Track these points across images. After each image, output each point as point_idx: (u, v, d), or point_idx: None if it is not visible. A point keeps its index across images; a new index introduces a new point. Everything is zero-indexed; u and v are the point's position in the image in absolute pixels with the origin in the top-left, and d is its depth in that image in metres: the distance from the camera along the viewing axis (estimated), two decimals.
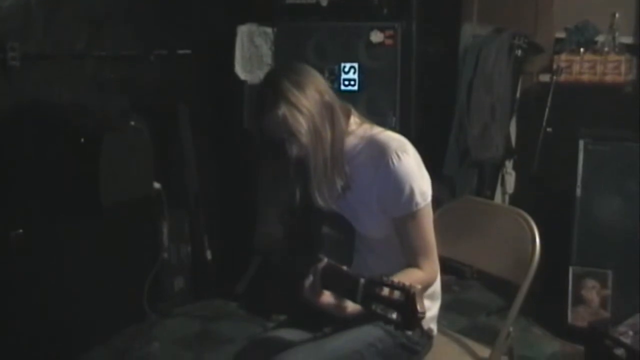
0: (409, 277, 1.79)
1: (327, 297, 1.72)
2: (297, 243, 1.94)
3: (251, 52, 3.53)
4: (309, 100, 1.80)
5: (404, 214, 1.83)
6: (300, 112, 1.78)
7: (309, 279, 1.69)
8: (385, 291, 1.49)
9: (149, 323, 3.52)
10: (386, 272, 1.69)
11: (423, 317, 1.44)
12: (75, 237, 3.11)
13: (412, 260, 1.86)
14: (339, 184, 1.86)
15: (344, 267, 1.67)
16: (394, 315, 1.46)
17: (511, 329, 2.08)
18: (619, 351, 2.68)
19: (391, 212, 1.85)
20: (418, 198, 1.82)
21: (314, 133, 1.80)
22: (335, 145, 1.84)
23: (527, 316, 3.52)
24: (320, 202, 1.85)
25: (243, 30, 3.54)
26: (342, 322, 1.92)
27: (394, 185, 1.81)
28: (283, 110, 1.77)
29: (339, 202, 1.90)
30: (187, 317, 3.68)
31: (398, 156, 1.81)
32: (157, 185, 3.23)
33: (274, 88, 1.81)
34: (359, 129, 1.92)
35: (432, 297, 2.01)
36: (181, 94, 3.68)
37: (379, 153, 1.84)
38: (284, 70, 1.89)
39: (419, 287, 1.47)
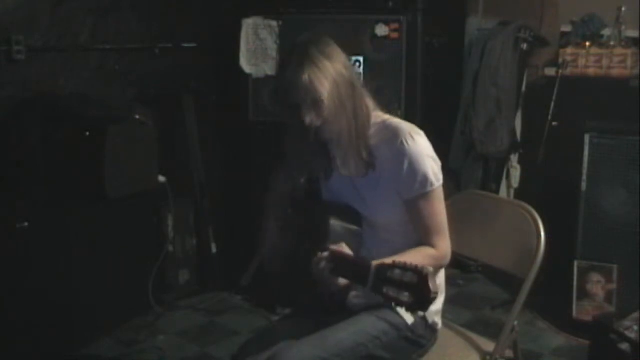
0: (423, 254, 1.83)
1: (335, 280, 1.72)
2: (303, 235, 1.93)
3: (256, 45, 3.52)
4: (335, 69, 1.80)
5: (417, 194, 1.84)
6: (326, 77, 1.77)
7: (318, 266, 1.70)
8: (397, 274, 1.51)
9: (154, 315, 3.53)
10: (394, 254, 1.70)
11: (435, 297, 1.47)
12: (81, 229, 3.12)
13: (425, 239, 1.88)
14: (365, 155, 1.87)
15: (351, 254, 1.68)
16: (406, 297, 1.48)
17: (516, 322, 2.08)
18: (624, 346, 2.67)
19: (405, 193, 1.86)
20: (432, 178, 1.84)
21: (337, 99, 1.79)
22: (359, 116, 1.85)
23: (532, 310, 3.52)
24: (343, 170, 1.89)
25: (248, 23, 3.53)
26: (346, 315, 1.93)
27: (408, 166, 1.82)
28: (309, 73, 1.76)
29: (357, 180, 1.91)
30: (192, 309, 3.68)
31: (412, 137, 1.83)
32: (162, 178, 3.23)
33: (302, 53, 1.79)
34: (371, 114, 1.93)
35: None
36: (186, 86, 3.68)
37: (393, 135, 1.85)
38: (314, 39, 1.86)
39: (431, 269, 1.48)
